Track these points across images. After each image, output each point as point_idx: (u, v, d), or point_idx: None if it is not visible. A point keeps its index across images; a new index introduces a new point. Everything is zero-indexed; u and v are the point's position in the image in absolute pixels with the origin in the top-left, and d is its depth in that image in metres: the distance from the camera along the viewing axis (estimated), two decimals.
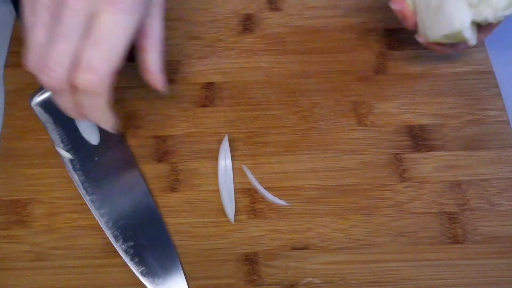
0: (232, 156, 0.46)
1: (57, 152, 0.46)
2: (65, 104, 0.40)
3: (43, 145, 0.47)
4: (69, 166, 0.46)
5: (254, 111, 0.48)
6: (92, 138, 0.47)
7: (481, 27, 0.44)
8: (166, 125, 0.48)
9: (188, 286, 0.42)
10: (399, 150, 0.47)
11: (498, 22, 0.44)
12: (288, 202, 0.44)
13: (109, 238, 0.43)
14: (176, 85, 0.50)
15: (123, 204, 0.44)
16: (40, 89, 0.48)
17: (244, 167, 0.46)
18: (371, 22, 0.53)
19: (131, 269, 0.42)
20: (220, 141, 0.47)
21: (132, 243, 0.43)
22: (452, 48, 0.46)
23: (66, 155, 0.46)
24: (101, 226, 0.43)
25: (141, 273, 0.42)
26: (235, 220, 0.44)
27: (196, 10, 0.54)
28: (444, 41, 0.45)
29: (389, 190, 0.45)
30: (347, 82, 0.50)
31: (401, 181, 0.45)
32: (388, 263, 0.42)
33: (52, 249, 0.43)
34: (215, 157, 0.46)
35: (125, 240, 0.43)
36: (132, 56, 0.41)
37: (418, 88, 0.50)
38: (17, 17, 0.53)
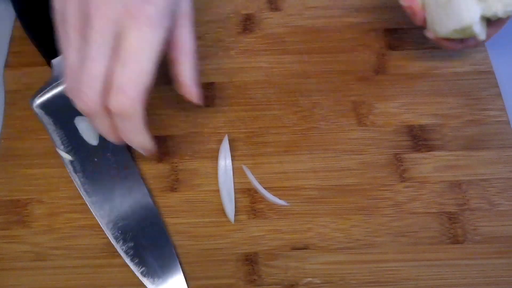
0: (232, 156, 0.46)
1: (57, 152, 0.46)
2: (102, 128, 0.39)
3: (43, 145, 0.47)
4: (70, 168, 0.46)
5: (254, 111, 0.48)
6: (92, 139, 0.47)
7: (490, 22, 0.44)
8: (166, 125, 0.48)
9: (188, 286, 0.42)
10: (399, 150, 0.47)
11: (508, 17, 0.44)
12: (288, 202, 0.44)
13: (109, 238, 0.43)
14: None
15: (123, 205, 0.44)
16: (41, 90, 0.48)
17: (244, 167, 0.46)
18: (371, 22, 0.53)
19: (131, 269, 0.42)
20: (220, 141, 0.47)
21: (132, 244, 0.43)
22: (461, 44, 0.46)
23: (67, 156, 0.46)
24: (101, 226, 0.43)
25: (141, 273, 0.42)
26: (235, 220, 0.44)
27: (196, 10, 0.54)
28: (454, 36, 0.44)
29: (389, 190, 0.45)
30: (347, 82, 0.50)
31: (401, 181, 0.45)
32: (388, 263, 0.42)
33: (52, 249, 0.43)
34: (215, 157, 0.46)
35: (125, 240, 0.43)
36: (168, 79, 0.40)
37: (418, 88, 0.50)
38: (17, 17, 0.53)
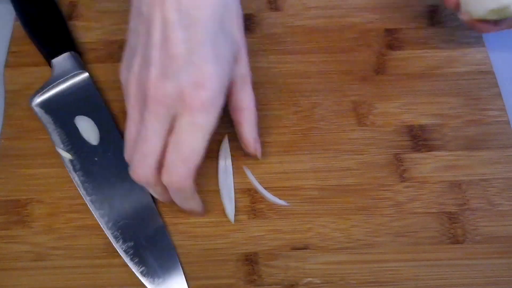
0: (232, 156, 0.46)
1: (57, 152, 0.46)
2: (155, 194, 0.42)
3: (43, 145, 0.47)
4: (69, 167, 0.46)
5: None
6: (92, 138, 0.47)
7: None
8: None
9: (188, 286, 0.42)
10: (399, 150, 0.47)
11: None
12: (288, 202, 0.44)
13: (109, 238, 0.43)
14: None
15: (123, 204, 0.44)
16: (41, 89, 0.48)
17: (244, 167, 0.46)
18: (371, 22, 0.53)
19: (131, 269, 0.42)
20: (220, 141, 0.47)
21: (132, 243, 0.43)
22: (496, 26, 0.46)
23: (67, 155, 0.46)
24: (101, 226, 0.43)
25: (141, 273, 0.42)
26: (235, 220, 0.44)
27: None
28: (490, 17, 0.44)
29: (389, 190, 0.45)
30: (347, 82, 0.50)
31: (401, 181, 0.45)
32: (388, 263, 0.42)
33: (52, 249, 0.43)
34: (215, 157, 0.46)
35: (125, 240, 0.43)
36: None
37: (418, 88, 0.50)
38: (17, 17, 0.53)
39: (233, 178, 0.46)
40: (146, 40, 0.37)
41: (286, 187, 0.45)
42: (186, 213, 0.44)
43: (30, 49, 0.52)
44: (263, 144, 0.46)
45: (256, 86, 0.50)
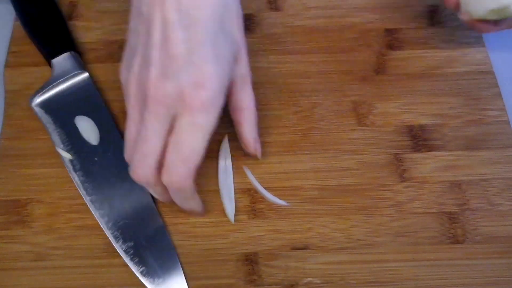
0: (232, 156, 0.46)
1: (57, 152, 0.46)
2: (154, 194, 0.42)
3: (43, 145, 0.47)
4: (69, 167, 0.46)
5: None
6: (92, 138, 0.47)
7: None
8: None
9: (188, 286, 0.42)
10: (399, 150, 0.47)
11: None
12: (288, 202, 0.44)
13: (109, 238, 0.43)
14: None
15: (123, 204, 0.44)
16: (40, 89, 0.48)
17: (244, 167, 0.46)
18: (371, 22, 0.53)
19: (131, 269, 0.42)
20: (220, 141, 0.47)
21: (132, 243, 0.43)
22: (496, 26, 0.46)
23: (66, 155, 0.46)
24: (101, 226, 0.43)
25: (141, 273, 0.42)
26: (235, 220, 0.44)
27: None
28: (490, 17, 0.44)
29: (389, 190, 0.45)
30: (347, 82, 0.50)
31: (401, 181, 0.45)
32: (388, 263, 0.42)
33: (52, 249, 0.43)
34: (215, 157, 0.46)
35: (125, 240, 0.43)
36: None
37: (418, 88, 0.50)
38: (17, 17, 0.53)
39: (233, 178, 0.46)
40: (146, 40, 0.37)
41: (286, 187, 0.45)
42: (186, 213, 0.44)
43: (30, 49, 0.52)
44: (263, 144, 0.46)
45: (256, 86, 0.50)
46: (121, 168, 0.45)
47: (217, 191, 0.45)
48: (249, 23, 0.53)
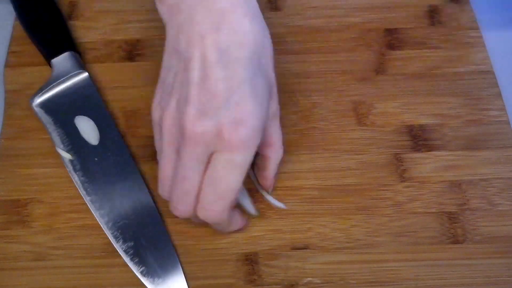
0: None
1: (57, 152, 0.46)
2: (195, 222, 0.42)
3: (43, 145, 0.47)
4: (69, 167, 0.46)
5: None
6: (92, 138, 0.47)
7: None
8: None
9: (188, 286, 0.42)
10: (399, 150, 0.47)
11: None
12: (286, 205, 0.44)
13: (109, 238, 0.43)
14: None
15: (123, 204, 0.44)
16: (41, 89, 0.48)
17: None
18: (371, 22, 0.53)
19: (131, 269, 0.42)
20: None
21: (132, 243, 0.43)
22: None
23: (66, 156, 0.46)
24: (101, 226, 0.43)
25: (141, 273, 0.42)
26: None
27: None
28: None
29: (389, 190, 0.45)
30: (347, 82, 0.50)
31: (401, 181, 0.45)
32: (388, 263, 0.42)
33: (52, 249, 0.43)
34: None
35: (125, 240, 0.43)
36: None
37: (418, 88, 0.50)
38: (17, 17, 0.53)
39: None
40: (184, 78, 0.37)
41: (286, 187, 0.45)
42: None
43: (30, 49, 0.52)
44: None
45: None
46: (121, 168, 0.45)
47: None
48: None
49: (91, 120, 0.47)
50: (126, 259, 0.42)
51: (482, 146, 0.47)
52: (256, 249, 0.43)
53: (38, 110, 0.48)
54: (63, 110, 0.48)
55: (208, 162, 0.37)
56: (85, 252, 0.43)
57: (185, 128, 0.36)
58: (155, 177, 0.45)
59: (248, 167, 0.38)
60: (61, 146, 0.46)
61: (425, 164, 0.46)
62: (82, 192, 0.45)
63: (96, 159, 0.46)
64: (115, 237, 0.43)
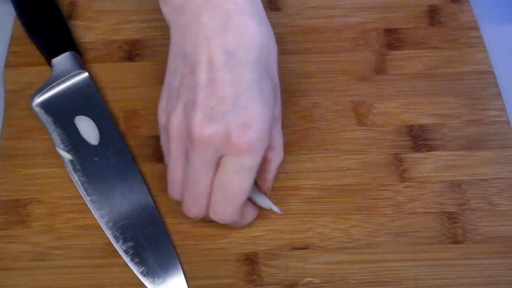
0: None
1: (57, 152, 0.46)
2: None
3: (43, 145, 0.47)
4: (69, 167, 0.46)
5: None
6: (92, 138, 0.47)
7: None
8: None
9: (188, 286, 0.42)
10: (399, 150, 0.47)
11: None
12: (281, 210, 0.44)
13: (109, 238, 0.43)
14: None
15: (123, 204, 0.44)
16: (40, 89, 0.48)
17: None
18: (371, 22, 0.53)
19: (131, 269, 0.42)
20: None
21: (132, 244, 0.43)
22: None
23: (66, 156, 0.46)
24: (101, 226, 0.43)
25: (141, 273, 0.42)
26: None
27: None
28: None
29: (389, 190, 0.45)
30: (347, 82, 0.50)
31: (401, 181, 0.45)
32: (388, 263, 0.42)
33: (52, 249, 0.43)
34: None
35: (125, 240, 0.43)
36: None
37: (418, 88, 0.50)
38: (17, 17, 0.53)
39: None
40: (190, 81, 0.36)
41: (286, 187, 0.45)
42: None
43: (30, 49, 0.52)
44: None
45: None
46: (121, 168, 0.45)
47: None
48: None
49: (91, 120, 0.47)
50: (126, 259, 0.42)
51: (482, 146, 0.47)
52: (256, 249, 0.43)
53: (38, 110, 0.48)
54: (63, 110, 0.48)
55: (217, 165, 0.37)
56: (85, 252, 0.43)
57: (193, 133, 0.36)
58: (155, 177, 0.46)
59: (258, 169, 0.38)
60: (61, 146, 0.46)
61: (425, 164, 0.46)
62: (82, 192, 0.45)
63: (96, 159, 0.46)
64: (115, 237, 0.43)
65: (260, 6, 0.38)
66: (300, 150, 0.47)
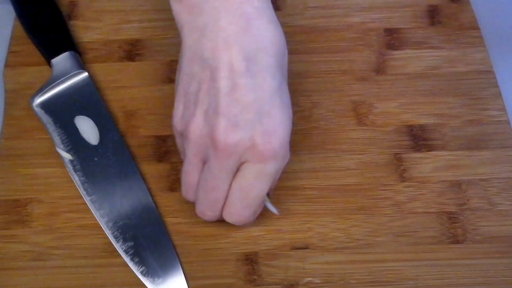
0: None
1: (57, 152, 0.46)
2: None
3: (43, 145, 0.47)
4: (69, 167, 0.46)
5: None
6: (92, 138, 0.47)
7: None
8: (166, 125, 0.48)
9: (188, 286, 0.42)
10: (399, 150, 0.47)
11: None
12: (278, 211, 0.43)
13: (109, 238, 0.43)
14: None
15: (123, 204, 0.44)
16: (41, 89, 0.48)
17: None
18: (371, 22, 0.53)
19: (131, 269, 0.42)
20: None
21: (132, 243, 0.43)
22: None
23: (66, 156, 0.46)
24: (101, 226, 0.43)
25: (141, 273, 0.42)
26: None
27: None
28: None
29: (389, 190, 0.45)
30: (347, 82, 0.50)
31: (401, 181, 0.45)
32: (388, 263, 0.42)
33: (52, 249, 0.43)
34: None
35: (125, 240, 0.43)
36: None
37: (418, 88, 0.50)
38: (17, 17, 0.53)
39: None
40: (211, 88, 0.36)
41: (286, 187, 0.45)
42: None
43: (30, 49, 0.52)
44: None
45: None
46: (121, 168, 0.45)
47: None
48: None
49: (91, 120, 0.47)
50: (126, 259, 0.42)
51: (482, 146, 0.47)
52: (256, 249, 0.43)
53: (38, 110, 0.48)
54: (63, 110, 0.48)
55: (236, 171, 0.37)
56: (85, 252, 0.43)
57: (217, 141, 0.35)
58: (155, 177, 0.46)
59: (277, 175, 0.38)
60: (61, 146, 0.46)
61: (425, 164, 0.46)
62: (82, 192, 0.45)
63: (96, 159, 0.46)
64: (115, 237, 0.43)
65: (272, 9, 0.38)
66: (300, 150, 0.47)
